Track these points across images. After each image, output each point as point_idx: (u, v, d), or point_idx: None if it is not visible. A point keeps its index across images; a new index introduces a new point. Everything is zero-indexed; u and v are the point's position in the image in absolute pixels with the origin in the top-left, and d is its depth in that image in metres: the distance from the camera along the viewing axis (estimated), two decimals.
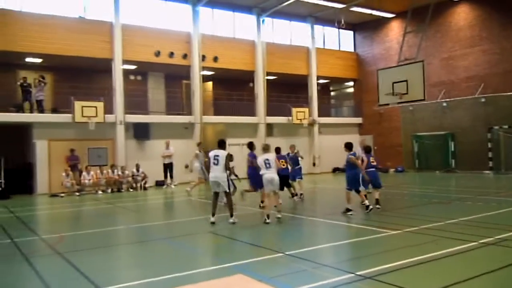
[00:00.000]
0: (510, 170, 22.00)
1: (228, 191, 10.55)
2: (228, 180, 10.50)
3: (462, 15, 24.75)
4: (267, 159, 10.67)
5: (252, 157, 12.12)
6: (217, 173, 10.41)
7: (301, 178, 14.89)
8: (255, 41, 26.02)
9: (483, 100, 23.40)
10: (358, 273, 6.10)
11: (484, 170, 22.96)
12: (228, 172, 10.56)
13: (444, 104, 25.16)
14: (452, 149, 24.73)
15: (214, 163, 10.43)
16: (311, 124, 27.88)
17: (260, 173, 10.81)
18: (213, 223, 10.37)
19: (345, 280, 5.85)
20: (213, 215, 10.55)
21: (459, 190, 17.00)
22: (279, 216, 10.78)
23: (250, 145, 12.79)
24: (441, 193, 15.16)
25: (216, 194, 10.75)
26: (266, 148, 10.98)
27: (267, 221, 10.27)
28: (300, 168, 15.10)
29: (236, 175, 11.94)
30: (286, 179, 12.74)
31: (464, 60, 24.64)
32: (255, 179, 11.93)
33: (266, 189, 10.83)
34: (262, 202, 12.25)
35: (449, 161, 24.88)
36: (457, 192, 16.64)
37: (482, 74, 23.74)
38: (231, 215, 10.55)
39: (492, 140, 22.86)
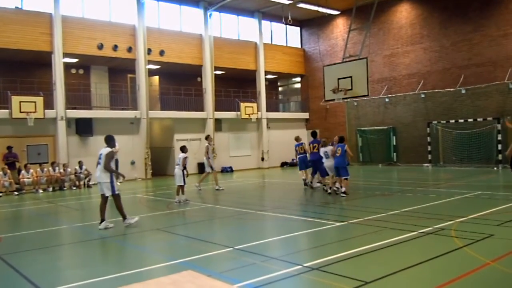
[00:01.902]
0: (448, 163, 23.16)
1: (110, 194, 9.54)
2: (111, 181, 9.49)
3: (403, 14, 25.70)
4: (326, 151, 13.78)
5: (315, 143, 14.90)
6: (97, 173, 9.60)
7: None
8: (202, 35, 25.79)
9: (422, 96, 24.46)
10: (305, 264, 6.22)
11: (423, 163, 24.03)
12: (110, 172, 9.50)
13: (387, 100, 26.08)
14: (394, 143, 25.70)
15: (98, 162, 9.60)
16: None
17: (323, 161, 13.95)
18: (106, 228, 9.47)
19: (293, 272, 5.94)
20: (101, 221, 9.61)
21: (400, 183, 17.69)
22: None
23: (314, 134, 15.78)
24: (383, 186, 15.72)
25: (103, 198, 9.67)
26: (324, 143, 14.17)
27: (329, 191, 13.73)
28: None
29: (121, 175, 10.31)
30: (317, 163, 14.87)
31: (405, 58, 25.63)
32: (311, 163, 15.06)
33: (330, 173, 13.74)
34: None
35: (391, 154, 25.84)
36: (398, 184, 17.29)
37: (423, 71, 24.79)
38: (124, 217, 9.71)
39: (431, 134, 23.93)
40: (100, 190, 9.71)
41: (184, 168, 13.23)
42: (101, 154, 9.59)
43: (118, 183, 10.14)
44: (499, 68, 21.85)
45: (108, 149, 9.56)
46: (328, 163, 13.66)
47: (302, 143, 16.25)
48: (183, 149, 13.72)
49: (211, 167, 16.42)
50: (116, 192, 9.62)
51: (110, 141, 9.76)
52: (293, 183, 17.59)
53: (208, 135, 17.57)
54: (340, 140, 14.02)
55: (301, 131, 30.38)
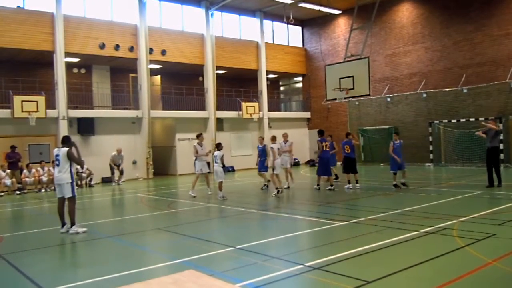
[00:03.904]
0: (450, 162, 23.14)
1: (70, 196, 9.33)
2: (72, 181, 9.32)
3: (405, 13, 25.67)
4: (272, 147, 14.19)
5: (323, 142, 14.81)
6: (56, 174, 9.38)
7: (265, 170, 16.14)
8: (204, 35, 25.79)
9: (424, 95, 24.43)
10: (307, 264, 6.22)
11: (425, 162, 24.00)
12: (71, 172, 9.33)
13: (388, 99, 26.05)
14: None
15: (56, 164, 9.39)
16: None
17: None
18: (65, 232, 9.29)
19: (295, 272, 5.94)
20: (62, 225, 9.41)
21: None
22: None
23: (321, 132, 15.30)
24: (385, 185, 15.70)
25: (61, 200, 9.47)
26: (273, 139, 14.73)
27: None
28: (265, 159, 16.01)
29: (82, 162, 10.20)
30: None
31: (407, 57, 25.59)
32: (326, 165, 14.59)
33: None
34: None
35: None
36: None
37: (424, 71, 24.76)
38: (72, 224, 9.30)
39: (432, 134, 23.90)
40: (59, 192, 9.44)
41: (223, 165, 13.82)
42: (58, 156, 9.33)
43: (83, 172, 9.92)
44: (500, 68, 21.82)
45: (66, 148, 9.34)
46: (277, 160, 14.21)
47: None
48: (218, 146, 14.06)
49: (208, 167, 15.48)
50: (75, 195, 9.48)
51: (67, 142, 9.55)
52: (295, 183, 17.56)
53: (200, 134, 15.59)
54: (346, 136, 16.11)
55: (303, 131, 30.53)
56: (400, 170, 14.60)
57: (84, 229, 9.37)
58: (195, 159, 14.86)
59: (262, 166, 15.98)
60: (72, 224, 9.33)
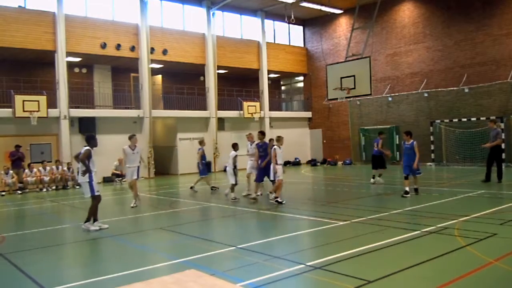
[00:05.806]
0: (451, 162, 23.11)
1: (89, 195, 9.42)
2: (90, 181, 9.37)
3: (406, 13, 25.64)
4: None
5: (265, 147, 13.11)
6: (78, 174, 9.52)
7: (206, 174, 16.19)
8: (205, 34, 25.79)
9: (426, 95, 24.41)
10: (308, 263, 6.23)
11: (426, 162, 23.97)
12: (90, 172, 9.35)
13: (390, 99, 26.03)
14: (397, 142, 25.64)
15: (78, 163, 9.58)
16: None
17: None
18: (101, 228, 9.42)
19: (296, 271, 5.94)
20: (94, 221, 9.55)
21: (404, 182, 17.63)
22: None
23: (263, 133, 13.45)
24: (386, 185, 15.70)
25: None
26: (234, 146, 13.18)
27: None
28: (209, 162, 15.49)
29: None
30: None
31: (408, 57, 25.57)
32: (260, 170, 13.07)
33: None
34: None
35: (394, 153, 25.77)
36: (401, 183, 17.23)
37: (426, 70, 24.73)
38: (87, 220, 9.44)
39: (434, 133, 23.89)
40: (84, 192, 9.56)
41: (235, 167, 13.10)
42: (80, 153, 9.50)
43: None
44: (502, 67, 21.80)
45: (85, 148, 9.47)
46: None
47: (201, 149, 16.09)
48: (235, 146, 13.27)
49: (137, 174, 13.09)
50: (96, 194, 9.47)
51: (90, 141, 9.63)
52: (296, 182, 17.58)
53: (133, 135, 13.20)
54: (379, 134, 16.41)
55: (304, 130, 30.53)
56: (413, 175, 12.80)
57: (96, 228, 9.44)
58: (125, 164, 13.10)
59: (205, 170, 15.80)
60: (87, 220, 9.46)
